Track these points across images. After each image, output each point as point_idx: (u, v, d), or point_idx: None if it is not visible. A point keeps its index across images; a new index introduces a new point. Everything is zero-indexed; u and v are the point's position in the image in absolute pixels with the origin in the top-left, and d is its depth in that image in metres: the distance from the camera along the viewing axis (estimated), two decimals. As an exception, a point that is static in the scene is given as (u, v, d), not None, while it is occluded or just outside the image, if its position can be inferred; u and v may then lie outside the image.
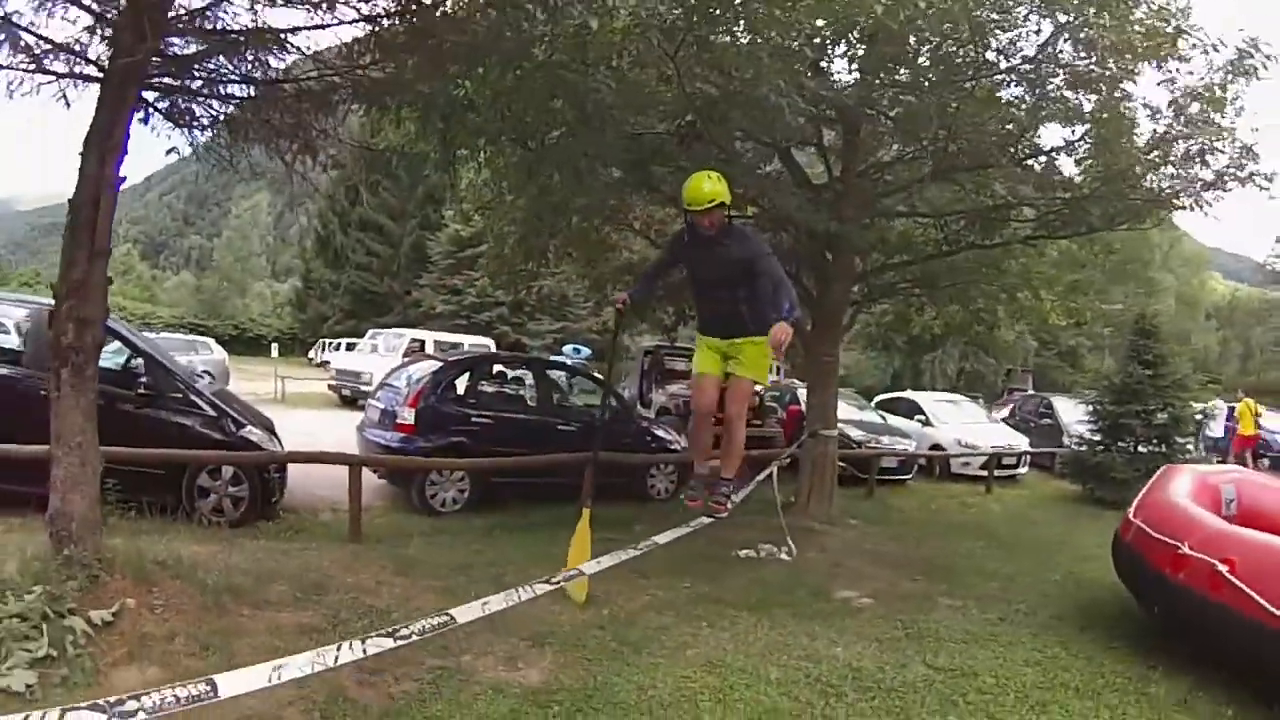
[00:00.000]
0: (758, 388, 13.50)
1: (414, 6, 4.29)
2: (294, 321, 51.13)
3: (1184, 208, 7.56)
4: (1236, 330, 53.97)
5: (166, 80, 4.28)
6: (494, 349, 23.47)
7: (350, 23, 4.31)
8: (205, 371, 18.94)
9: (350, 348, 28.93)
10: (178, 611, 3.94)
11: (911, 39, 6.32)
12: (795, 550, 6.66)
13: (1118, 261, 13.98)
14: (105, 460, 4.20)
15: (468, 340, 22.89)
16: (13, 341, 6.78)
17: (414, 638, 2.53)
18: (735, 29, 5.49)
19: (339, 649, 2.41)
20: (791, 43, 5.42)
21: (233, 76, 4.50)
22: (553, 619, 4.53)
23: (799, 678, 4.01)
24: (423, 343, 20.92)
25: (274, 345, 29.46)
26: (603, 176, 6.95)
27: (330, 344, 36.20)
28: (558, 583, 3.63)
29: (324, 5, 4.26)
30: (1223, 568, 4.05)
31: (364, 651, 2.45)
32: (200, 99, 4.47)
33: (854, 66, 7.49)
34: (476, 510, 8.06)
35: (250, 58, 4.42)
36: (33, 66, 3.98)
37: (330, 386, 20.90)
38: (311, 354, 39.60)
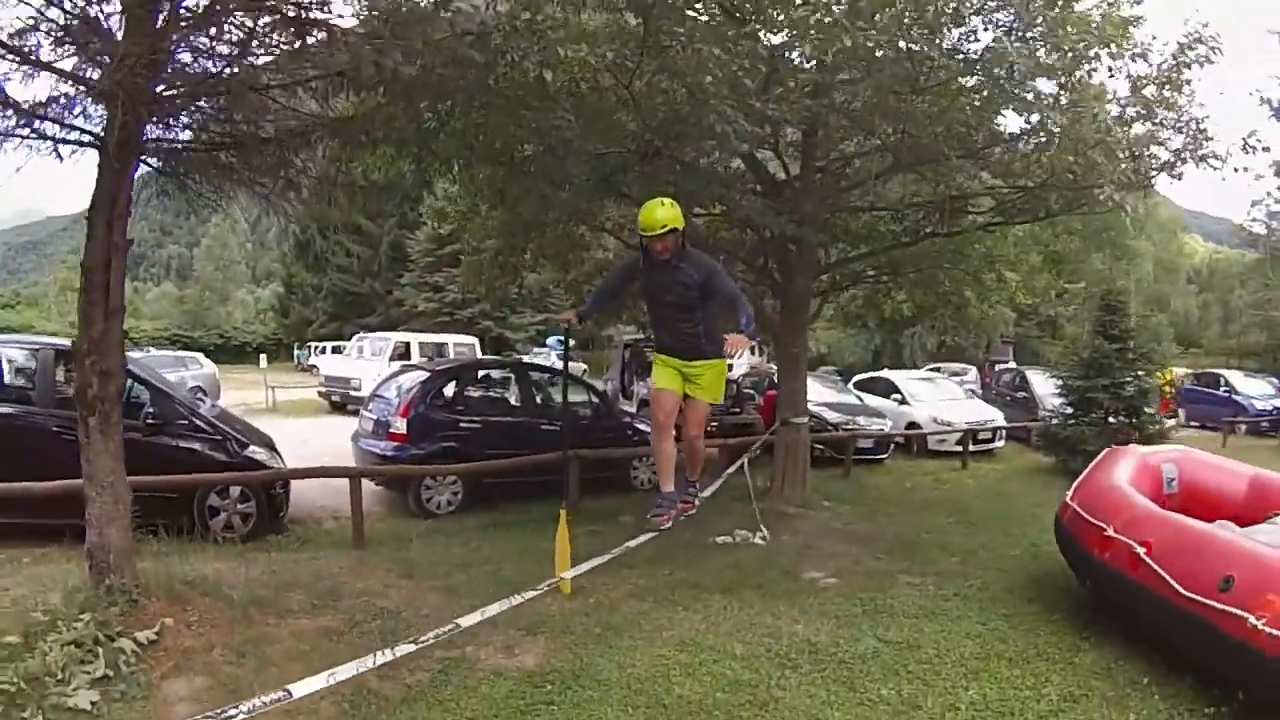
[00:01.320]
0: (733, 375, 13.88)
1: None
2: (278, 327, 51.12)
3: (1138, 187, 7.61)
4: (1217, 293, 54.12)
5: (161, 144, 4.56)
6: (478, 345, 23.85)
7: (327, 76, 4.54)
8: (197, 386, 19.28)
9: (336, 350, 29.22)
10: (211, 625, 4.37)
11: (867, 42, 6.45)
12: (769, 534, 7.08)
13: (1093, 231, 14.23)
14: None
15: (452, 339, 23.14)
16: (20, 380, 7.10)
17: (431, 641, 3.00)
18: (682, 59, 5.61)
19: (375, 656, 2.88)
20: (737, 72, 5.60)
21: (216, 120, 4.81)
22: (544, 609, 4.94)
23: (761, 653, 4.45)
24: (408, 344, 21.26)
25: (262, 356, 29.55)
26: (570, 190, 7.24)
27: (316, 348, 36.37)
28: (542, 589, 4.07)
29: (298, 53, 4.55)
30: (1140, 550, 4.34)
31: (394, 654, 2.94)
32: (188, 151, 4.75)
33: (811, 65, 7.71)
34: (470, 510, 8.51)
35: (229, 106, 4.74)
36: (26, 129, 4.13)
37: (320, 393, 21.22)
38: (297, 358, 39.80)
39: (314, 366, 29.84)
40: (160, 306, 59.00)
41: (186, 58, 4.43)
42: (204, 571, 5.10)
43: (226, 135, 4.81)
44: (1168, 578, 4.06)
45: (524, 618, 4.75)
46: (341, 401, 19.46)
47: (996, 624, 5.02)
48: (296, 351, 41.12)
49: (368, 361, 20.43)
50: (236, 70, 4.50)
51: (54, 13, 3.96)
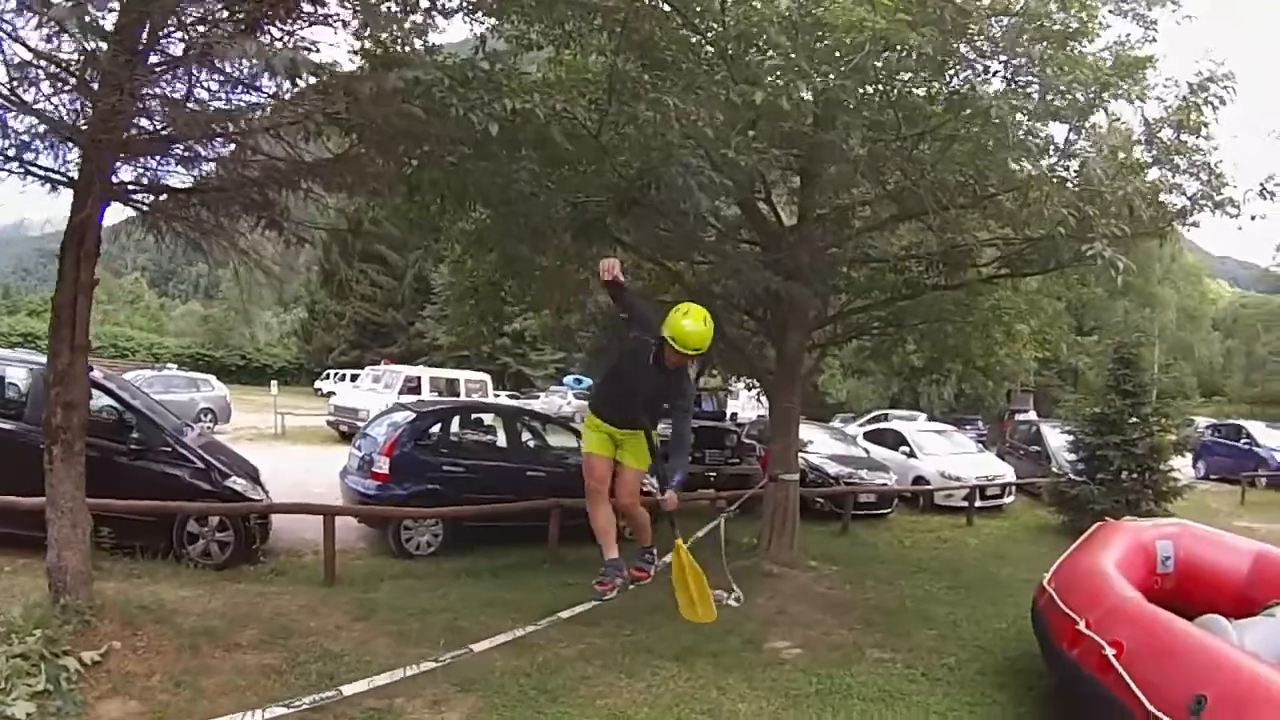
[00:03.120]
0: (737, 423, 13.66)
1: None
2: (299, 352, 51.72)
3: (1153, 236, 7.51)
4: (1242, 339, 53.13)
5: (128, 186, 4.62)
6: (490, 383, 23.88)
7: (293, 123, 4.52)
8: (206, 409, 19.53)
9: (354, 379, 29.49)
10: (157, 653, 4.46)
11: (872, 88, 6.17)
12: (743, 596, 6.76)
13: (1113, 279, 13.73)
14: (103, 510, 4.87)
15: (464, 375, 23.25)
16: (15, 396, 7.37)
17: (305, 706, 2.93)
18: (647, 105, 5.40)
19: (247, 716, 2.81)
20: (697, 122, 5.41)
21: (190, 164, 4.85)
22: (487, 665, 4.80)
23: (693, 732, 4.23)
24: (419, 378, 21.35)
25: (273, 382, 29.77)
26: (554, 241, 7.19)
27: (335, 375, 36.77)
28: (441, 661, 3.96)
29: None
30: (1109, 651, 3.94)
31: (264, 718, 2.87)
32: (163, 195, 4.81)
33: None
34: (448, 554, 8.40)
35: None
36: (15, 163, 4.21)
37: (329, 422, 21.36)
38: (318, 384, 40.19)
39: (331, 393, 30.06)
40: (185, 324, 59.70)
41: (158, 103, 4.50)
42: (165, 597, 5.25)
43: (202, 179, 4.89)
44: (1136, 689, 3.62)
45: (462, 672, 4.63)
46: (349, 431, 19.49)
47: (958, 714, 4.74)
48: (320, 381, 41.40)
49: (378, 393, 20.55)
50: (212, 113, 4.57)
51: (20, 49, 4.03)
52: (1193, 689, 3.39)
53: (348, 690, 3.19)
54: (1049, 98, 6.12)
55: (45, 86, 4.05)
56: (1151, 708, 3.47)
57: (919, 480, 14.85)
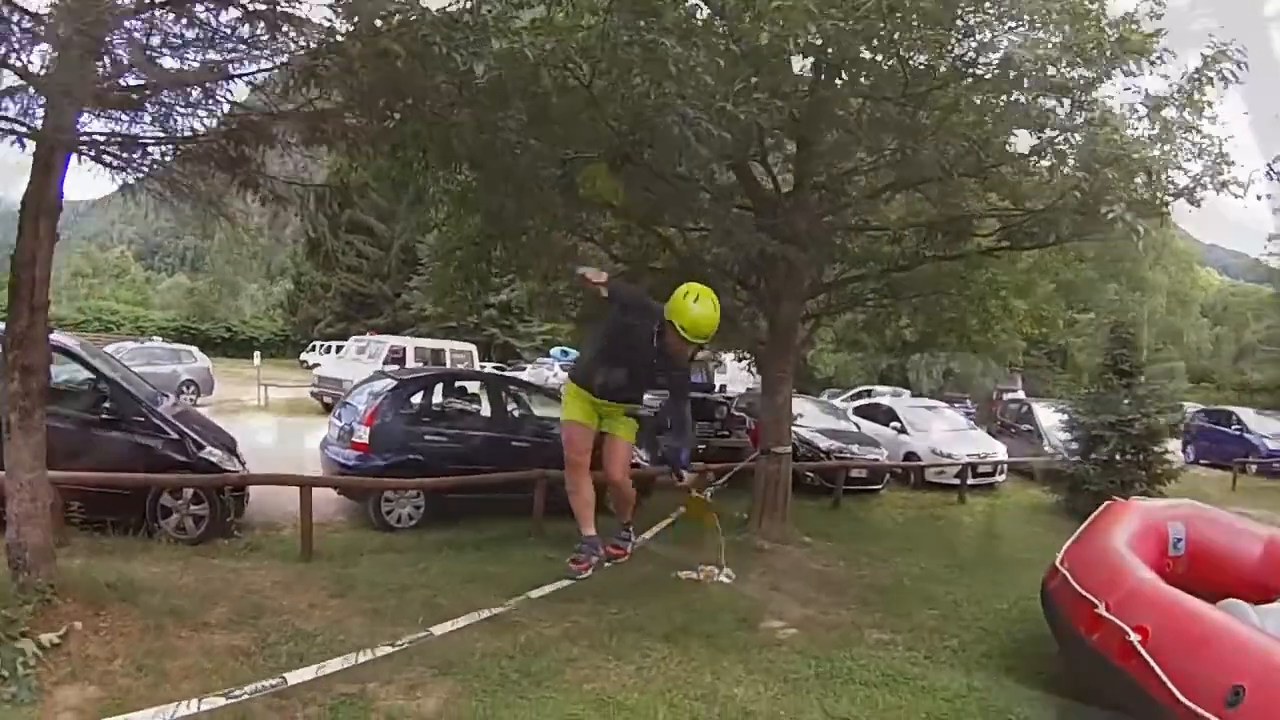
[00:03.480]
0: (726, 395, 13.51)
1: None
2: (285, 324, 51.22)
3: (1154, 214, 7.06)
4: (1231, 327, 53.39)
5: (96, 137, 4.38)
6: (475, 353, 23.62)
7: (268, 70, 4.40)
8: (189, 381, 19.20)
9: (338, 350, 29.18)
10: (120, 634, 4.22)
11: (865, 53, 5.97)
12: (734, 573, 6.55)
13: (1107, 260, 13.67)
14: (72, 483, 4.75)
15: (449, 346, 22.99)
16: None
17: (245, 698, 2.71)
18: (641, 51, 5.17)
19: (177, 707, 2.58)
20: (696, 68, 5.11)
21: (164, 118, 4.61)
22: (468, 646, 4.57)
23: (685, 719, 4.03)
24: (404, 349, 21.07)
25: (257, 354, 29.39)
26: (541, 199, 6.93)
27: (321, 347, 36.42)
28: (405, 643, 3.83)
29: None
30: (1134, 637, 3.68)
31: (199, 708, 2.64)
32: (130, 148, 4.57)
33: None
34: (431, 526, 8.17)
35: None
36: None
37: (313, 394, 21.03)
38: (304, 356, 39.82)
39: (316, 365, 29.74)
40: (171, 297, 58.86)
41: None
42: (134, 574, 5.01)
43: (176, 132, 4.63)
44: (1165, 678, 3.36)
45: (441, 653, 4.41)
46: (333, 403, 19.21)
47: (963, 701, 4.48)
48: (305, 353, 41.03)
49: (362, 364, 20.21)
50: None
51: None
52: (1225, 677, 3.16)
53: (292, 679, 2.94)
54: (1050, 72, 5.96)
55: (15, 41, 3.86)
56: (1182, 697, 3.24)
57: (910, 456, 14.76)
